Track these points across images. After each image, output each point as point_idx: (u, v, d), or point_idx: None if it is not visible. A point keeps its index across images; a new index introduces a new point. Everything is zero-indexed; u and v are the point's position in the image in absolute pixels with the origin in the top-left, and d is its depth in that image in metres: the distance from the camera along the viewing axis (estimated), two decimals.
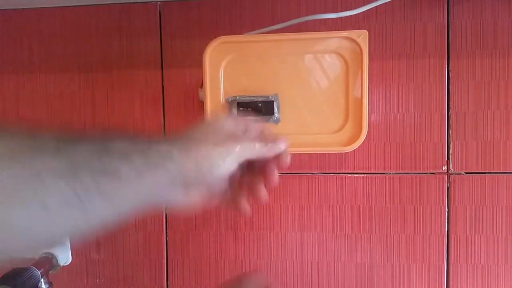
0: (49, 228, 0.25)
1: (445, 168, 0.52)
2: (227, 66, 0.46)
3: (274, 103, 0.45)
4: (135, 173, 0.27)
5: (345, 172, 0.54)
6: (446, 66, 0.52)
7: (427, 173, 0.53)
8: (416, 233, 0.53)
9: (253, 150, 0.32)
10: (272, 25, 0.48)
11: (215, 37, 0.45)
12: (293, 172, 0.54)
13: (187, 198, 0.31)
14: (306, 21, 0.47)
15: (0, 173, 0.23)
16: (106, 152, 0.27)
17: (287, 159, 0.35)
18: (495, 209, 0.52)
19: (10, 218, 0.24)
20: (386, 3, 0.49)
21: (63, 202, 0.24)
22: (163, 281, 0.57)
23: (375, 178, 0.53)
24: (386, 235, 0.53)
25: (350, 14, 0.47)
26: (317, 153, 0.54)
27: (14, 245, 0.25)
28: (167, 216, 0.56)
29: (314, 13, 0.52)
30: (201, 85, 0.47)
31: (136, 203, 0.28)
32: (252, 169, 0.35)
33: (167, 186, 0.29)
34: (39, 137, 0.26)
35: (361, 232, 0.54)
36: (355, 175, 0.54)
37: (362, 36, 0.43)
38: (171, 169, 0.28)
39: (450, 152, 0.52)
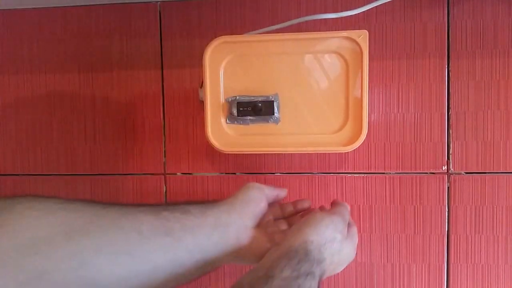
0: (145, 248, 0.33)
1: (445, 168, 0.52)
2: (227, 66, 0.46)
3: (274, 103, 0.45)
4: (199, 210, 0.38)
5: (345, 172, 0.54)
6: (446, 66, 0.52)
7: (427, 173, 0.53)
8: (416, 233, 0.53)
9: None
10: (272, 25, 0.48)
11: (215, 37, 0.45)
12: (293, 172, 0.54)
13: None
14: (306, 21, 0.47)
15: (104, 211, 0.34)
16: (176, 204, 0.38)
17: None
18: (495, 209, 0.52)
19: (108, 240, 0.32)
20: (386, 3, 0.49)
21: (153, 228, 0.34)
22: None
23: (375, 178, 0.53)
24: (386, 235, 0.53)
25: (350, 14, 0.47)
26: (317, 153, 0.54)
27: (116, 269, 0.32)
28: None
29: (314, 13, 0.52)
30: (201, 85, 0.47)
31: (212, 235, 0.37)
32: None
33: (222, 219, 0.39)
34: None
35: (361, 232, 0.54)
36: (355, 175, 0.54)
37: (362, 36, 0.43)
38: (222, 209, 0.40)
39: (450, 152, 0.52)
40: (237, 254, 0.39)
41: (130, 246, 0.33)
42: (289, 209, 0.47)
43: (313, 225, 0.38)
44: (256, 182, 0.44)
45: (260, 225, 0.42)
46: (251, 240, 0.39)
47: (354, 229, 0.44)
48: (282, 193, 0.46)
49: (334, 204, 0.46)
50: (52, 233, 0.30)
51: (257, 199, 0.42)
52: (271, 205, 0.45)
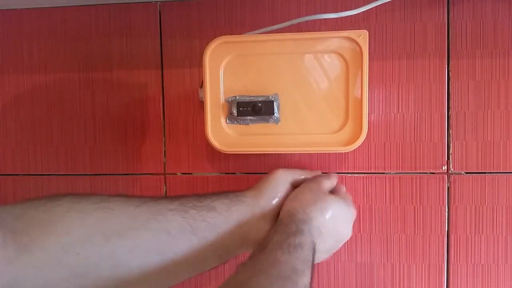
0: (173, 248, 0.36)
1: (445, 168, 0.52)
2: (227, 66, 0.46)
3: (274, 103, 0.45)
4: (225, 207, 0.40)
5: (345, 172, 0.54)
6: (446, 66, 0.52)
7: (427, 173, 0.53)
8: (416, 233, 0.53)
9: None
10: (272, 25, 0.48)
11: (215, 37, 0.45)
12: None
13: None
14: (306, 21, 0.47)
15: (137, 211, 0.36)
16: (203, 198, 0.40)
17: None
18: (495, 209, 0.52)
19: (142, 241, 0.34)
20: (386, 3, 0.49)
21: (180, 228, 0.36)
22: None
23: (375, 178, 0.53)
24: (386, 235, 0.53)
25: (350, 14, 0.47)
26: (317, 153, 0.54)
27: (147, 268, 0.35)
28: None
29: (314, 13, 0.52)
30: (201, 85, 0.47)
31: (233, 232, 0.39)
32: None
33: (249, 215, 0.41)
34: (155, 196, 0.39)
35: (361, 232, 0.54)
36: (355, 175, 0.54)
37: (362, 36, 0.43)
38: (247, 202, 0.42)
39: (450, 152, 0.52)
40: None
41: (160, 246, 0.35)
42: None
43: (292, 196, 0.43)
44: (284, 168, 0.47)
45: None
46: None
47: (343, 189, 0.48)
48: (309, 175, 0.49)
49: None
50: (91, 234, 0.33)
51: (282, 195, 0.44)
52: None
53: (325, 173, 0.48)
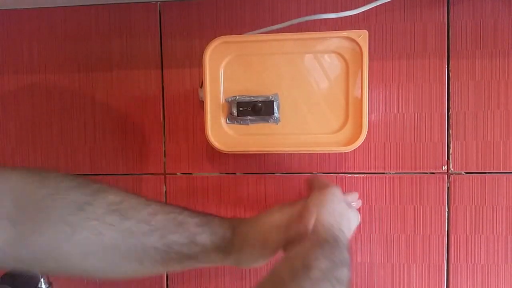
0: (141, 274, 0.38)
1: (445, 168, 0.52)
2: (227, 66, 0.46)
3: (274, 103, 0.45)
4: (206, 255, 0.39)
5: (345, 172, 0.54)
6: (446, 66, 0.52)
7: (427, 173, 0.53)
8: (416, 233, 0.53)
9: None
10: (272, 25, 0.48)
11: (215, 37, 0.45)
12: (293, 172, 0.54)
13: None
14: (306, 21, 0.47)
15: (123, 241, 0.35)
16: (193, 233, 0.39)
17: None
18: (495, 209, 0.52)
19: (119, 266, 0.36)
20: (386, 3, 0.49)
21: (154, 262, 0.37)
22: (163, 281, 0.57)
23: (375, 178, 0.53)
24: (386, 235, 0.53)
25: (350, 14, 0.47)
26: (317, 153, 0.54)
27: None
28: None
29: (314, 13, 0.52)
30: (201, 85, 0.47)
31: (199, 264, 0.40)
32: None
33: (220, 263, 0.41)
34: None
35: (361, 232, 0.54)
36: (355, 175, 0.54)
37: (362, 36, 0.43)
38: (227, 259, 0.40)
39: (450, 152, 0.52)
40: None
41: (131, 272, 0.38)
42: None
43: (325, 206, 0.40)
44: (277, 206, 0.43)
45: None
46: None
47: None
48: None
49: (313, 181, 0.47)
50: (73, 253, 0.34)
51: (272, 236, 0.41)
52: None
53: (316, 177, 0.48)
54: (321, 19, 0.50)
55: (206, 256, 0.38)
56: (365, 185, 0.53)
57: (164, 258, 0.37)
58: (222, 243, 0.39)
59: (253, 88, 0.46)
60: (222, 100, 0.46)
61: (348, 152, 0.52)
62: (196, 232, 0.38)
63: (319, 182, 0.46)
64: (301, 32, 0.45)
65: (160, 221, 0.37)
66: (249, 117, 0.46)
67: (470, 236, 0.52)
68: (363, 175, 0.53)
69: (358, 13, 0.47)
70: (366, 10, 0.48)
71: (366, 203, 0.54)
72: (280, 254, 0.39)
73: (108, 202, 0.35)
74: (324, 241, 0.36)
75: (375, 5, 0.48)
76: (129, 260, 0.35)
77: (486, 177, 0.52)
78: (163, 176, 0.56)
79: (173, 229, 0.38)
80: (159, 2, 0.55)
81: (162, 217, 0.37)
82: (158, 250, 0.36)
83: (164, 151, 0.56)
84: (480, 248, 0.52)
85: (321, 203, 0.41)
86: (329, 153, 0.54)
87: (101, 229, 0.34)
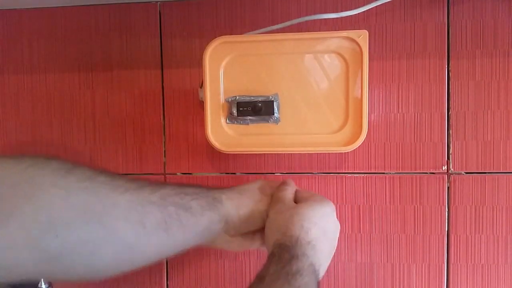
0: (144, 242, 0.36)
1: (445, 168, 0.52)
2: (227, 66, 0.46)
3: (274, 103, 0.45)
4: (200, 209, 0.39)
5: (345, 172, 0.54)
6: (446, 66, 0.52)
7: (427, 173, 0.53)
8: (416, 233, 0.53)
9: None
10: (272, 25, 0.48)
11: (215, 37, 0.45)
12: (293, 172, 0.54)
13: (231, 240, 0.44)
14: (306, 21, 0.47)
15: (120, 198, 0.34)
16: (184, 194, 0.39)
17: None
18: (495, 209, 0.52)
19: (119, 231, 0.34)
20: (386, 3, 0.49)
21: (155, 224, 0.36)
22: (163, 281, 0.57)
23: (375, 178, 0.53)
24: (386, 235, 0.53)
25: (350, 14, 0.47)
26: (317, 153, 0.54)
27: (117, 258, 0.35)
28: None
29: (314, 13, 0.52)
30: (201, 85, 0.47)
31: (198, 233, 0.40)
32: None
33: (217, 223, 0.41)
34: (140, 181, 0.37)
35: (361, 232, 0.54)
36: (355, 175, 0.54)
37: (362, 36, 0.43)
38: (220, 210, 0.41)
39: (450, 152, 0.52)
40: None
41: (133, 239, 0.35)
42: None
43: (270, 224, 0.41)
44: (267, 181, 0.47)
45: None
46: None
47: (305, 192, 0.47)
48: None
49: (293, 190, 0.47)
50: (72, 216, 0.31)
51: (260, 203, 0.44)
52: None
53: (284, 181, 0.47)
54: (321, 19, 0.50)
55: (200, 210, 0.39)
56: (365, 185, 0.53)
57: (163, 212, 0.36)
58: (212, 202, 0.41)
59: (253, 88, 0.46)
60: (222, 100, 0.46)
61: (348, 152, 0.52)
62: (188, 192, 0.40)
63: (301, 192, 0.46)
64: (301, 32, 0.45)
65: (147, 182, 0.38)
66: (249, 117, 0.46)
67: (470, 236, 0.52)
68: (363, 175, 0.53)
69: (358, 13, 0.47)
70: (366, 10, 0.48)
71: (366, 203, 0.54)
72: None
73: (91, 170, 0.34)
74: (272, 253, 0.37)
75: (375, 5, 0.48)
76: (130, 222, 0.35)
77: (486, 177, 0.52)
78: (163, 176, 0.56)
79: (163, 186, 0.39)
80: (159, 2, 0.55)
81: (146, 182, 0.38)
82: (154, 204, 0.36)
83: (164, 151, 0.56)
84: (480, 248, 0.52)
85: (269, 223, 0.41)
86: (329, 153, 0.54)
87: (95, 189, 0.33)
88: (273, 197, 0.44)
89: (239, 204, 0.42)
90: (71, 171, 0.32)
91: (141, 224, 0.35)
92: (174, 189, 0.39)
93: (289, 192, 0.44)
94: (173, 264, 0.57)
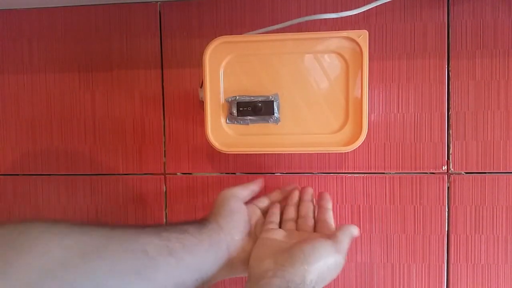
0: (150, 268, 0.35)
1: (445, 168, 0.52)
2: (227, 66, 0.46)
3: (274, 103, 0.45)
4: (196, 230, 0.39)
5: (345, 172, 0.54)
6: (446, 66, 0.52)
7: (427, 173, 0.53)
8: (416, 233, 0.53)
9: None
10: (272, 25, 0.48)
11: (215, 37, 0.45)
12: (293, 172, 0.54)
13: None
14: (306, 21, 0.47)
15: (114, 233, 0.35)
16: (174, 224, 0.40)
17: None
18: (495, 209, 0.52)
19: (120, 261, 0.33)
20: (386, 3, 0.49)
21: (158, 248, 0.35)
22: None
23: (375, 178, 0.53)
24: (386, 235, 0.53)
25: (350, 14, 0.47)
26: (317, 153, 0.54)
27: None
28: (167, 216, 0.57)
29: (314, 13, 0.52)
30: (201, 85, 0.47)
31: (206, 254, 0.39)
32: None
33: (215, 239, 0.40)
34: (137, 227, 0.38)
35: (361, 232, 0.54)
36: (355, 175, 0.54)
37: (362, 36, 0.43)
38: (212, 228, 0.41)
39: (450, 152, 0.52)
40: (231, 268, 0.41)
41: (138, 266, 0.34)
42: (276, 196, 0.50)
43: (316, 263, 0.38)
44: (228, 187, 0.46)
45: (251, 230, 0.45)
46: (241, 253, 0.42)
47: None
48: (255, 187, 0.48)
49: (342, 229, 0.42)
50: (68, 255, 0.31)
51: (236, 208, 0.44)
52: (252, 201, 0.48)
53: (348, 230, 0.43)
54: (321, 19, 0.50)
55: (197, 232, 0.39)
56: (365, 185, 0.53)
57: (162, 240, 0.36)
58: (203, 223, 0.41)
59: (253, 88, 0.46)
60: (222, 100, 0.46)
61: (348, 152, 0.52)
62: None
63: (341, 233, 0.42)
64: (301, 32, 0.45)
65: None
66: (249, 117, 0.46)
67: (470, 236, 0.52)
68: (363, 175, 0.53)
69: (358, 13, 0.47)
70: (366, 10, 0.47)
71: (366, 203, 0.54)
72: None
73: (76, 222, 0.35)
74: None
75: (375, 5, 0.48)
76: (131, 252, 0.34)
77: (486, 177, 0.52)
78: (163, 176, 0.56)
79: (144, 226, 0.38)
80: (159, 2, 0.55)
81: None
82: (150, 233, 0.36)
83: (164, 151, 0.56)
84: (480, 248, 0.52)
85: (312, 257, 0.38)
86: (329, 153, 0.54)
87: (87, 230, 0.33)
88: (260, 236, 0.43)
89: (219, 215, 0.43)
90: (58, 221, 0.33)
91: (143, 251, 0.34)
92: (160, 225, 0.39)
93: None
94: None
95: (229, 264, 0.41)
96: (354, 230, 0.42)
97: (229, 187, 0.47)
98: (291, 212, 0.48)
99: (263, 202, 0.49)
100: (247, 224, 0.44)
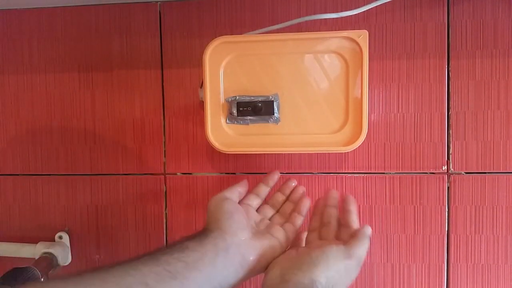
0: None
1: (445, 168, 0.52)
2: (227, 66, 0.46)
3: (274, 103, 0.45)
4: (197, 243, 0.38)
5: (345, 172, 0.54)
6: (446, 66, 0.52)
7: (427, 173, 0.53)
8: (416, 233, 0.53)
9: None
10: (272, 25, 0.48)
11: (215, 37, 0.45)
12: (293, 172, 0.54)
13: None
14: (306, 21, 0.47)
15: (109, 275, 0.33)
16: (172, 244, 0.38)
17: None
18: (495, 209, 0.52)
19: None
20: (386, 3, 0.49)
21: (158, 277, 0.34)
22: None
23: (375, 178, 0.53)
24: (386, 235, 0.53)
25: (350, 14, 0.47)
26: (317, 153, 0.54)
27: None
28: (167, 216, 0.57)
29: (314, 13, 0.52)
30: (201, 85, 0.47)
31: (208, 262, 0.37)
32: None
33: (220, 245, 0.39)
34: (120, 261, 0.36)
35: None
36: (355, 175, 0.54)
37: (362, 36, 0.43)
38: (214, 236, 0.39)
39: (450, 152, 0.52)
40: (248, 270, 0.39)
41: None
42: (264, 190, 0.50)
43: (324, 267, 0.37)
44: (226, 190, 0.45)
45: (253, 229, 0.44)
46: (253, 251, 0.40)
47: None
48: (241, 189, 0.47)
49: (357, 235, 0.42)
50: None
51: (233, 209, 0.42)
52: (242, 201, 0.47)
53: (364, 236, 0.42)
54: (321, 19, 0.50)
55: (197, 245, 0.38)
56: (365, 185, 0.53)
57: (160, 265, 0.35)
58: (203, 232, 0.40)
59: (253, 88, 0.46)
60: (222, 100, 0.46)
61: (348, 152, 0.52)
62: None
63: (358, 238, 0.41)
64: (301, 32, 0.45)
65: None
66: (249, 117, 0.46)
67: (470, 236, 0.52)
68: (363, 175, 0.53)
69: (358, 13, 0.47)
70: (366, 10, 0.47)
71: (366, 203, 0.54)
72: None
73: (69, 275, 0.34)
74: None
75: (375, 5, 0.48)
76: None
77: (486, 177, 0.52)
78: (163, 176, 0.56)
79: (142, 256, 0.37)
80: (159, 2, 0.55)
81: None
82: (147, 262, 0.35)
83: (164, 151, 0.56)
84: (480, 248, 0.52)
85: (324, 262, 0.38)
86: (329, 153, 0.54)
87: (82, 280, 0.33)
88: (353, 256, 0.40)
89: (217, 221, 0.42)
90: (51, 281, 0.32)
91: (142, 284, 0.33)
92: (158, 248, 0.38)
93: (363, 257, 0.42)
94: None
95: (246, 267, 0.39)
96: (368, 231, 0.42)
97: (215, 194, 0.45)
98: (315, 221, 0.48)
99: (254, 199, 0.48)
100: (249, 223, 0.43)
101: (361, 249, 0.40)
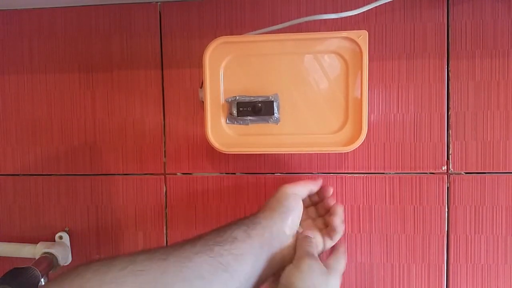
0: None
1: (445, 168, 0.52)
2: (227, 66, 0.46)
3: (274, 103, 0.45)
4: (245, 234, 0.39)
5: (345, 172, 0.54)
6: (446, 66, 0.52)
7: (427, 173, 0.53)
8: (416, 233, 0.53)
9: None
10: (272, 25, 0.48)
11: (215, 37, 0.45)
12: (293, 172, 0.54)
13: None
14: (306, 22, 0.47)
15: (166, 264, 0.34)
16: (223, 231, 0.39)
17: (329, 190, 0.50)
18: (495, 209, 0.52)
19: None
20: (386, 3, 0.49)
21: (212, 270, 0.35)
22: None
23: (375, 178, 0.53)
24: (386, 235, 0.53)
25: (350, 14, 0.47)
26: (317, 153, 0.54)
27: None
28: (167, 216, 0.57)
29: (314, 13, 0.52)
30: (201, 85, 0.47)
31: (254, 255, 0.39)
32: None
33: (266, 240, 0.40)
34: (176, 244, 0.37)
35: (361, 232, 0.54)
36: (355, 175, 0.54)
37: (362, 36, 0.43)
38: (263, 228, 0.41)
39: (450, 152, 0.52)
40: (281, 264, 0.41)
41: None
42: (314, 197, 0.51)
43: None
44: (288, 183, 0.46)
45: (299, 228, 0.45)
46: (292, 250, 0.42)
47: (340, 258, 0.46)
48: (314, 187, 0.49)
49: (334, 254, 0.45)
50: None
51: (294, 208, 0.44)
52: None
53: (340, 256, 0.45)
54: (321, 20, 0.50)
55: (245, 235, 0.39)
56: (365, 185, 0.54)
57: (213, 257, 0.36)
58: (251, 223, 0.41)
59: (253, 88, 0.46)
60: (222, 100, 0.46)
61: (348, 152, 0.52)
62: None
63: (303, 246, 0.43)
64: (301, 32, 0.45)
65: (184, 241, 0.38)
66: (249, 117, 0.46)
67: (470, 236, 0.52)
68: (363, 175, 0.54)
69: (358, 14, 0.47)
70: (366, 10, 0.47)
71: (366, 203, 0.54)
72: None
73: (128, 255, 0.34)
74: None
75: (375, 5, 0.48)
76: (187, 280, 0.34)
77: (486, 177, 0.52)
78: (163, 176, 0.56)
79: (198, 237, 0.39)
80: (159, 2, 0.55)
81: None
82: (200, 253, 0.36)
83: (164, 151, 0.56)
84: (480, 248, 0.52)
85: (302, 282, 0.39)
86: (329, 153, 0.54)
87: (139, 269, 0.33)
88: (297, 251, 0.43)
89: (276, 212, 0.43)
90: (111, 265, 0.33)
91: (199, 277, 0.34)
92: (211, 233, 0.39)
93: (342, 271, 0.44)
94: None
95: (283, 263, 0.41)
96: (342, 248, 0.46)
97: (289, 183, 0.46)
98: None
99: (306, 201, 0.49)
100: (299, 222, 0.44)
101: (340, 264, 0.44)
